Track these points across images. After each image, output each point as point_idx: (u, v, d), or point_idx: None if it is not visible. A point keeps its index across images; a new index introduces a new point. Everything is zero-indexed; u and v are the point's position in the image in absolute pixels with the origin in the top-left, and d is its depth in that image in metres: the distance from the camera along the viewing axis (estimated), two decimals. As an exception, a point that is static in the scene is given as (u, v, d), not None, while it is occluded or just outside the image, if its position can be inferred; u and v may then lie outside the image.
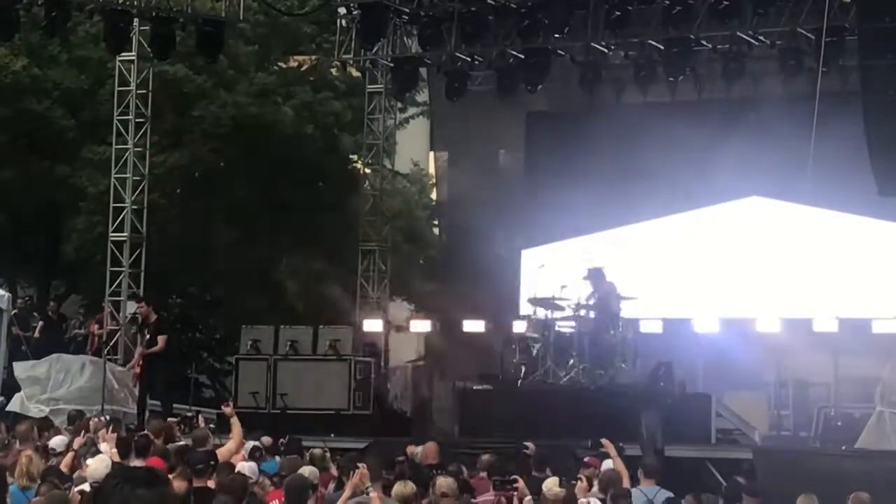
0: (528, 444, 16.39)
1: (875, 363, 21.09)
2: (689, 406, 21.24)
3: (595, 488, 13.59)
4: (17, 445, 14.62)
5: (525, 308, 23.92)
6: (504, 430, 19.89)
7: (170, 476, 13.03)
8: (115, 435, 16.25)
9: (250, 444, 16.12)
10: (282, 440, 17.44)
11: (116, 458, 14.44)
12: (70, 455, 14.11)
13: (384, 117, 28.34)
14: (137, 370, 22.84)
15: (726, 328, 23.57)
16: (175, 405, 23.17)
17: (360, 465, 12.72)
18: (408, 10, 25.73)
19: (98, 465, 12.45)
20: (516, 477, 13.38)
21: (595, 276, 22.05)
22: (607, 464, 15.26)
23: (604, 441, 15.45)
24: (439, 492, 12.11)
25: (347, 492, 12.44)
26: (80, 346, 27.07)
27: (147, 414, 21.84)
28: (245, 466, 13.77)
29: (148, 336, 22.82)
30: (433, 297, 28.94)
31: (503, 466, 14.42)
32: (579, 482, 12.82)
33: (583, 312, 22.02)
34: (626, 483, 13.94)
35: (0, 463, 12.94)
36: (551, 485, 12.80)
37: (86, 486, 12.20)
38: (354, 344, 23.38)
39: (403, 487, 11.83)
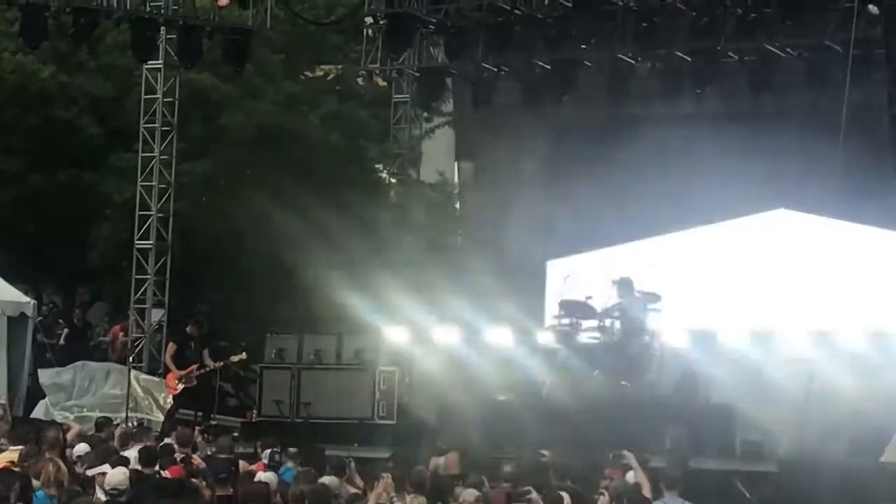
0: (544, 451, 16.25)
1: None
2: (714, 418, 21.12)
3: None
4: (46, 453, 14.59)
5: (550, 319, 23.85)
6: (528, 441, 19.80)
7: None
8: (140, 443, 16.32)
9: (268, 451, 16.10)
10: (291, 449, 17.27)
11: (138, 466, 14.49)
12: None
13: (410, 127, 28.36)
14: (179, 387, 22.93)
15: (752, 340, 23.42)
16: (199, 413, 23.22)
17: (384, 475, 12.69)
18: (434, 21, 25.76)
19: (116, 475, 12.44)
20: (529, 488, 13.25)
21: (622, 286, 21.95)
22: (630, 476, 15.17)
23: (626, 452, 15.39)
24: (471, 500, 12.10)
25: (371, 502, 12.41)
26: (105, 354, 27.13)
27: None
28: (264, 476, 13.75)
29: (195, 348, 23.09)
30: (457, 306, 28.87)
31: (526, 477, 14.34)
32: (601, 496, 12.70)
33: (608, 323, 21.93)
34: (647, 493, 13.84)
35: (27, 471, 12.97)
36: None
37: (102, 496, 12.20)
38: (379, 353, 23.33)
39: (415, 500, 11.82)
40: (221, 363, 23.03)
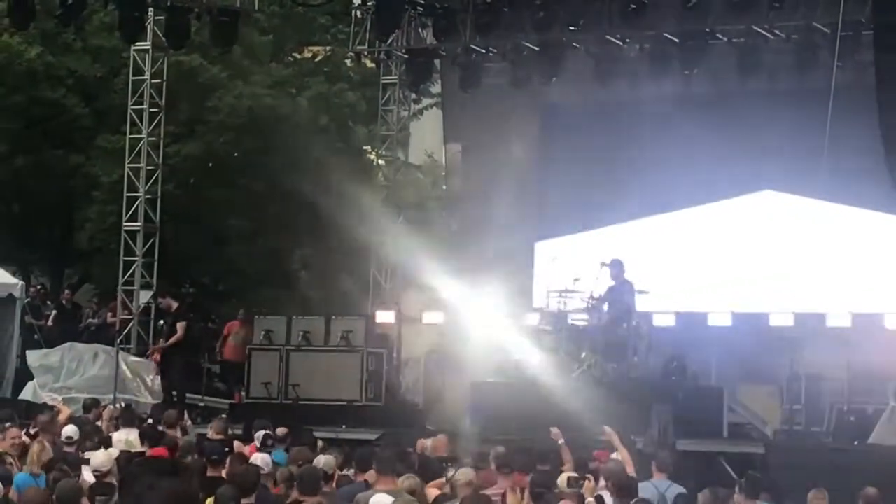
0: (554, 428, 15.84)
1: (888, 359, 21.02)
2: (702, 400, 21.19)
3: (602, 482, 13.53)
4: (10, 431, 14.62)
5: (538, 301, 23.88)
6: (516, 423, 19.86)
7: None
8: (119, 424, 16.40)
9: (261, 433, 16.12)
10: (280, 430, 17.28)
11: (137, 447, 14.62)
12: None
13: (398, 108, 28.32)
14: (156, 358, 23.26)
15: (739, 322, 23.49)
16: (188, 395, 23.29)
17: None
18: (423, 2, 25.75)
19: (100, 456, 12.46)
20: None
21: (614, 267, 21.98)
22: (615, 456, 15.19)
23: (606, 429, 15.39)
24: (464, 481, 12.09)
25: None
26: (94, 335, 27.12)
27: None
28: (258, 458, 13.76)
29: (167, 327, 23.31)
30: (445, 289, 28.87)
31: (514, 459, 14.36)
32: (587, 482, 12.69)
33: (596, 305, 21.97)
34: (630, 471, 13.86)
35: None
36: (563, 480, 12.72)
37: (89, 476, 12.22)
38: (367, 335, 23.36)
39: (406, 481, 11.82)
40: (171, 342, 23.50)
